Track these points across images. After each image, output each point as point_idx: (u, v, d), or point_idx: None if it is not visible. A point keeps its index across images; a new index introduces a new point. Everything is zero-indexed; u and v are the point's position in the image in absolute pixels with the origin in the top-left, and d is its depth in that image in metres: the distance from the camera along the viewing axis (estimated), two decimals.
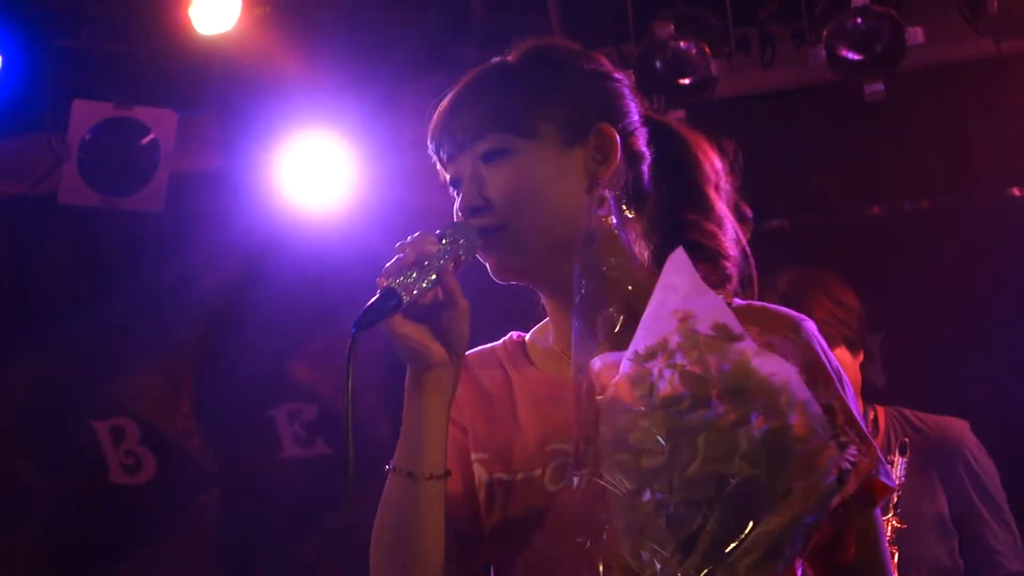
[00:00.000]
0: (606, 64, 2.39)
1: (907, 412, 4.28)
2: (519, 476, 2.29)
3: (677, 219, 2.38)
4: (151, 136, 5.44)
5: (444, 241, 2.20)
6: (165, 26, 5.25)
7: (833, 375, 2.22)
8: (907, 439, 4.11)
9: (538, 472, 2.27)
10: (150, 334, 5.95)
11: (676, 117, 5.29)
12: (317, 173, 5.43)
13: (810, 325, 2.26)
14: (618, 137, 2.31)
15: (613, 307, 2.17)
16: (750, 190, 5.54)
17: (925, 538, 4.06)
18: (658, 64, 5.25)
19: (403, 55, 5.30)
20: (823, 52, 5.15)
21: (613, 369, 2.04)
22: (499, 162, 2.28)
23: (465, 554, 2.31)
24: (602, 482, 2.00)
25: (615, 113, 2.34)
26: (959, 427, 4.22)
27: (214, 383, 5.96)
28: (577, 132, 2.30)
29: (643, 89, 5.25)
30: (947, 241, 5.40)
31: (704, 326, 2.00)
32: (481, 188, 2.28)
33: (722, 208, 2.44)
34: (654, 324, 2.03)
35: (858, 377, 4.24)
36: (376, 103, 5.39)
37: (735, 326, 2.01)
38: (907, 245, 5.44)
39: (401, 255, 2.16)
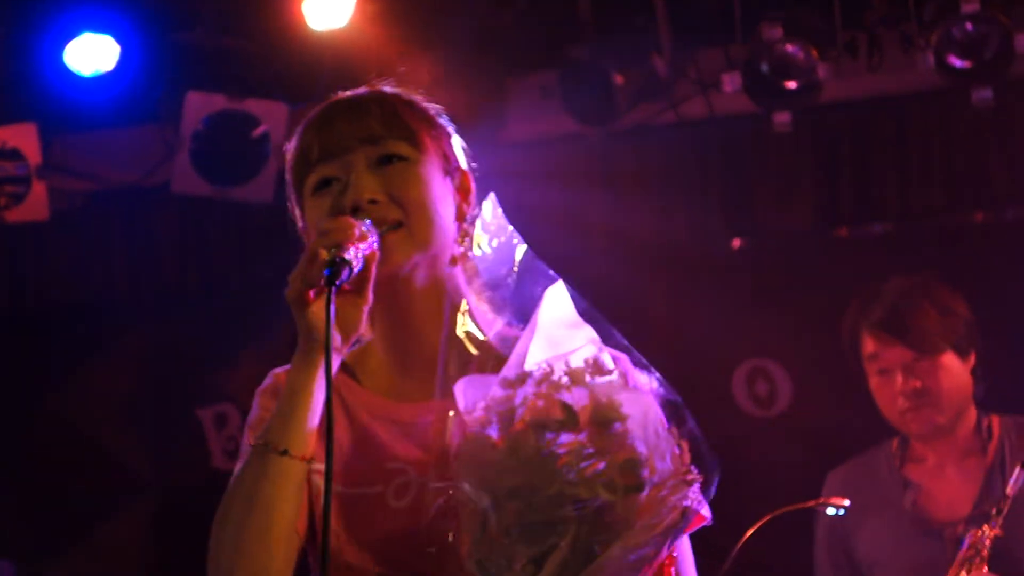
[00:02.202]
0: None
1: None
2: (360, 491, 2.30)
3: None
4: (262, 128, 5.53)
5: (370, 229, 2.22)
6: (278, 21, 5.34)
7: None
8: None
9: (379, 488, 2.29)
10: (255, 323, 6.02)
11: (781, 120, 5.35)
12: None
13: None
14: (474, 187, 2.42)
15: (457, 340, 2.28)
16: (855, 194, 5.57)
17: None
18: (764, 67, 5.26)
19: (511, 53, 5.36)
20: (931, 57, 5.15)
21: (478, 392, 2.14)
22: (397, 166, 2.31)
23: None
24: (460, 497, 2.09)
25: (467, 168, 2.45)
26: None
27: None
28: (450, 166, 2.38)
29: (749, 92, 5.31)
30: None
31: (575, 358, 2.13)
32: (381, 184, 2.30)
33: None
34: (527, 351, 2.15)
35: (968, 383, 4.31)
36: (484, 99, 5.44)
37: (605, 361, 2.14)
38: (1011, 253, 5.42)
39: (348, 228, 2.18)
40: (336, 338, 2.20)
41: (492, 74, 5.49)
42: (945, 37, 5.13)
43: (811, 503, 4.41)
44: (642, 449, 2.06)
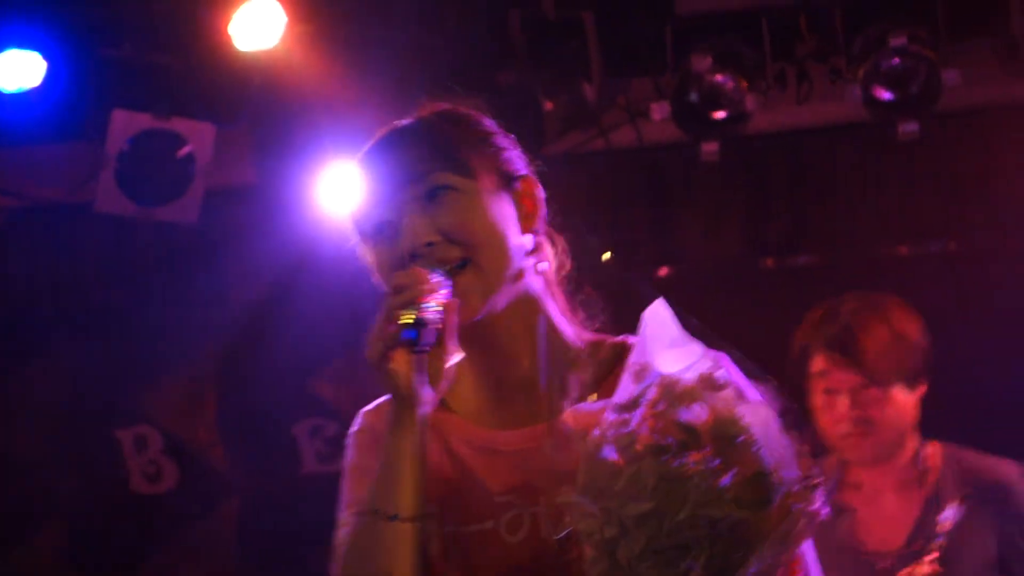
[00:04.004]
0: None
1: (963, 451, 4.29)
2: (472, 528, 2.27)
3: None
4: (188, 148, 5.50)
5: (442, 278, 2.20)
6: (206, 40, 5.32)
7: None
8: (969, 492, 4.14)
9: (490, 524, 2.26)
10: (177, 345, 6.01)
11: (709, 150, 5.39)
12: (351, 193, 5.47)
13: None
14: (539, 189, 2.36)
15: (551, 358, 2.28)
16: (782, 225, 5.61)
17: None
18: (693, 96, 5.29)
19: (443, 78, 5.36)
20: (859, 90, 5.20)
21: (589, 420, 2.11)
22: (446, 198, 2.25)
23: None
24: (583, 527, 2.05)
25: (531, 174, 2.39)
26: (1013, 470, 4.23)
27: (238, 396, 6.03)
28: (506, 179, 2.32)
29: (677, 121, 5.34)
30: (974, 284, 5.46)
31: (687, 376, 2.09)
32: (433, 223, 2.25)
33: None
34: (637, 374, 2.11)
35: (913, 414, 4.24)
36: None
37: (719, 375, 2.10)
38: (933, 286, 5.48)
39: (420, 283, 2.17)
40: (427, 393, 2.18)
41: (421, 98, 5.50)
42: (873, 70, 5.18)
43: None
44: (768, 460, 2.05)
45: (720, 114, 5.30)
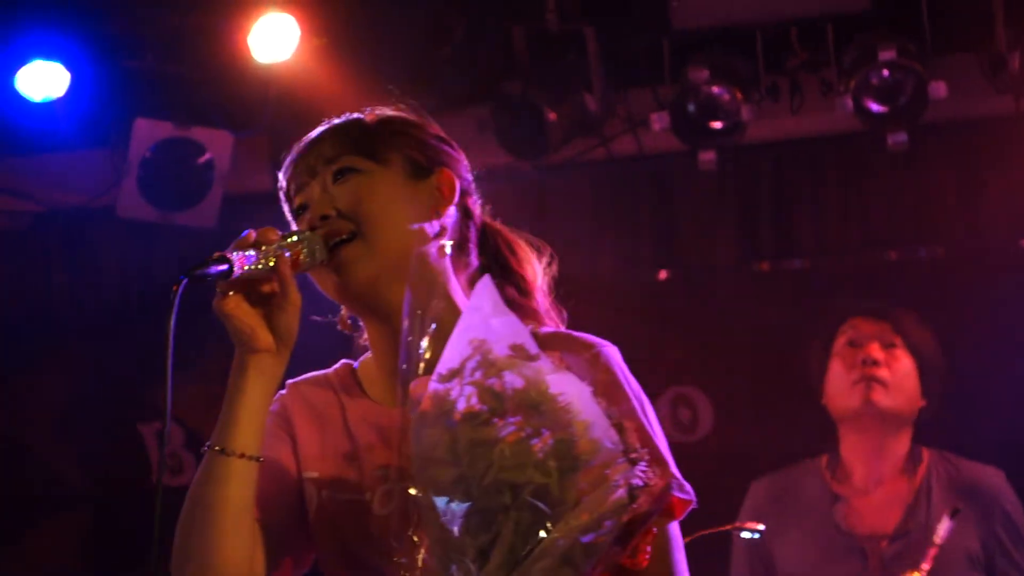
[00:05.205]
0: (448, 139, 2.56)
1: (951, 456, 4.53)
2: (348, 498, 2.39)
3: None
4: (207, 156, 5.65)
5: (288, 238, 2.32)
6: (225, 52, 5.47)
7: (632, 397, 2.34)
8: (960, 507, 4.30)
9: (367, 496, 2.37)
10: (195, 344, 6.07)
11: (706, 158, 5.51)
12: None
13: (609, 350, 2.40)
14: (457, 183, 2.49)
15: (435, 338, 2.23)
16: (775, 231, 5.71)
17: (956, 571, 4.33)
18: (691, 107, 5.43)
19: (449, 89, 5.47)
20: (849, 102, 5.34)
21: (424, 391, 2.15)
22: (350, 179, 2.41)
23: (264, 546, 2.36)
24: (414, 499, 2.11)
25: (454, 170, 2.51)
26: (997, 477, 4.48)
27: None
28: (421, 170, 2.46)
29: (676, 131, 5.46)
30: (960, 288, 5.57)
31: (501, 347, 2.14)
32: (332, 200, 2.40)
33: (540, 298, 2.60)
34: (457, 345, 2.16)
35: (915, 408, 4.58)
36: None
37: (531, 346, 2.16)
38: (922, 290, 5.60)
39: (246, 237, 2.29)
40: (267, 340, 2.31)
41: (429, 108, 5.62)
42: (863, 83, 5.32)
43: (727, 527, 4.50)
44: (574, 429, 2.05)
45: (717, 124, 5.45)
